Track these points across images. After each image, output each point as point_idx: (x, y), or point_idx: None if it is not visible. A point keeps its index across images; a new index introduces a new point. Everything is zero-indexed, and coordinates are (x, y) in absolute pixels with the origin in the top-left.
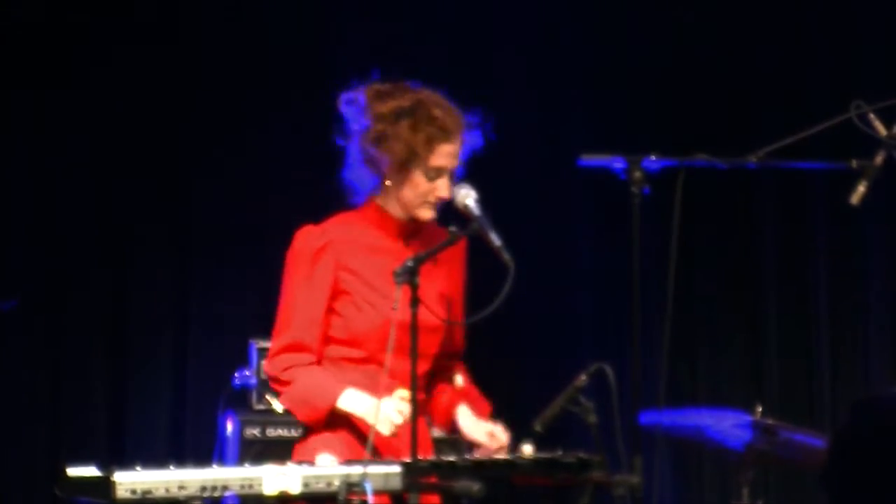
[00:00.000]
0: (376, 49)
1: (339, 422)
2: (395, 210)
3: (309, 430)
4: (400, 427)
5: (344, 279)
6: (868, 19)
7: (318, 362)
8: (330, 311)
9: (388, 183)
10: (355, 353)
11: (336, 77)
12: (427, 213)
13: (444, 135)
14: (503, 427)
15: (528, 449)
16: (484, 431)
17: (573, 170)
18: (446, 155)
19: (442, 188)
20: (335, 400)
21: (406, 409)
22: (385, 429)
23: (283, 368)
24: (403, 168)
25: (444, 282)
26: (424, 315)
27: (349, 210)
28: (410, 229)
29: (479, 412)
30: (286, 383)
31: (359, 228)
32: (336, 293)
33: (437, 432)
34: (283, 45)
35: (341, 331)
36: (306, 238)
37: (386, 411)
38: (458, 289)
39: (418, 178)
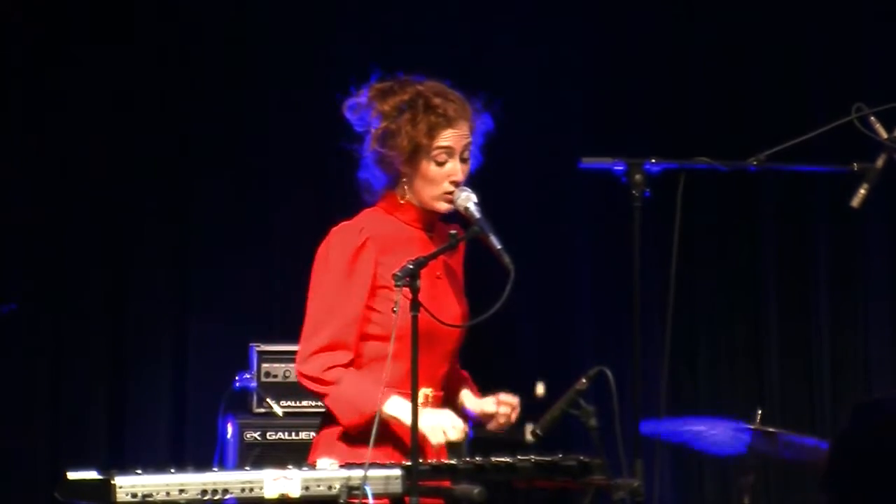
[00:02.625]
0: (374, 49)
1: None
2: (414, 201)
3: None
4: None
5: (381, 275)
6: (869, 21)
7: (364, 362)
8: (368, 308)
9: (404, 179)
10: (392, 348)
11: (335, 78)
12: (444, 206)
13: (446, 121)
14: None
15: (541, 389)
16: (492, 402)
17: (574, 173)
18: (452, 138)
19: (453, 171)
20: (380, 405)
21: (462, 426)
22: (436, 438)
23: (325, 368)
24: (412, 161)
25: (451, 280)
26: (446, 316)
27: (365, 208)
28: (431, 219)
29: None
30: (329, 383)
31: (388, 222)
32: (374, 289)
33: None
34: (284, 45)
35: (379, 327)
36: (345, 235)
37: (441, 423)
38: (461, 285)
39: (428, 167)
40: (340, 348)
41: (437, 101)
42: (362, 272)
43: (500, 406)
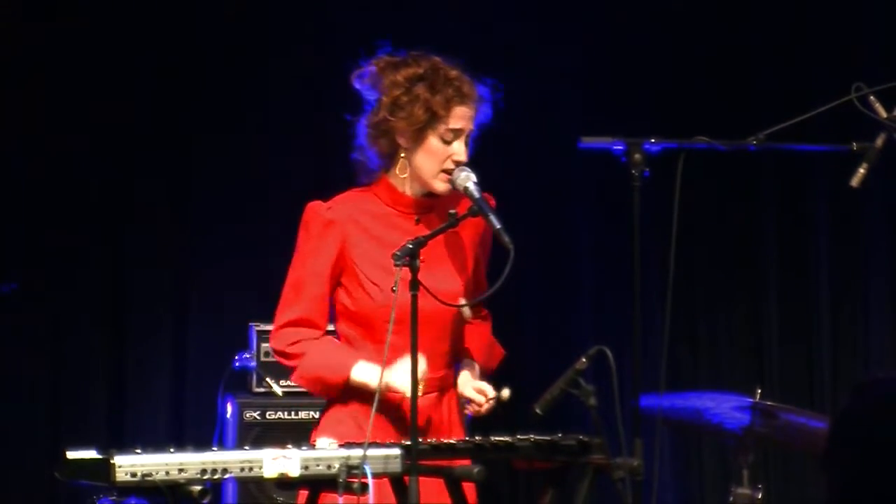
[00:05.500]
0: (374, 30)
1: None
2: (407, 186)
3: (328, 405)
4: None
5: (351, 255)
6: (869, 1)
7: (344, 342)
8: (340, 286)
9: (402, 155)
10: (362, 331)
11: (335, 54)
12: (442, 186)
13: (461, 96)
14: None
15: (506, 392)
16: (469, 387)
17: (573, 152)
18: (462, 117)
19: (459, 152)
20: (347, 373)
21: (424, 365)
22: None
23: (290, 342)
24: (420, 133)
25: (453, 257)
26: (437, 295)
27: (357, 188)
28: (423, 206)
29: (487, 363)
30: (295, 356)
31: (368, 205)
32: (344, 269)
33: None
34: (282, 18)
35: (350, 308)
36: (313, 213)
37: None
38: (473, 262)
39: (434, 143)
40: (306, 325)
41: (454, 73)
42: (326, 251)
43: (475, 395)
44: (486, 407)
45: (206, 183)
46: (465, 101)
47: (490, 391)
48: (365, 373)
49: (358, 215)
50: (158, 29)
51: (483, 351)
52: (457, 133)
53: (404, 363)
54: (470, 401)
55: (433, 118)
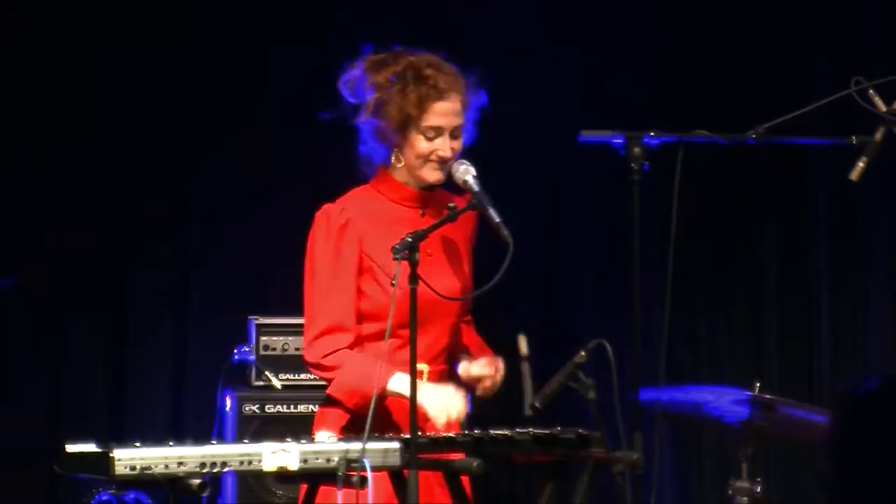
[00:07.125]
0: (374, 29)
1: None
2: (406, 179)
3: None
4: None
5: (367, 253)
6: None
7: (357, 342)
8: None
9: (396, 150)
10: (377, 327)
11: (336, 60)
12: (433, 175)
13: (436, 93)
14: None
15: (524, 346)
16: (477, 366)
17: (573, 146)
18: (441, 113)
19: (442, 147)
20: (384, 384)
21: (461, 407)
22: (439, 420)
23: (325, 354)
24: (402, 132)
25: (452, 253)
26: (441, 289)
27: (360, 184)
28: (424, 198)
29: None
30: (330, 369)
31: (375, 201)
32: (361, 268)
33: None
34: (284, 23)
35: (365, 305)
36: (327, 217)
37: (443, 402)
38: (467, 258)
39: (417, 140)
40: (339, 331)
41: (428, 72)
42: (348, 252)
43: (484, 368)
44: (499, 375)
45: (206, 183)
46: (444, 97)
47: (497, 361)
48: (402, 385)
49: (368, 212)
50: (158, 29)
51: (480, 348)
52: (438, 130)
53: (439, 389)
54: (479, 379)
55: (408, 118)
